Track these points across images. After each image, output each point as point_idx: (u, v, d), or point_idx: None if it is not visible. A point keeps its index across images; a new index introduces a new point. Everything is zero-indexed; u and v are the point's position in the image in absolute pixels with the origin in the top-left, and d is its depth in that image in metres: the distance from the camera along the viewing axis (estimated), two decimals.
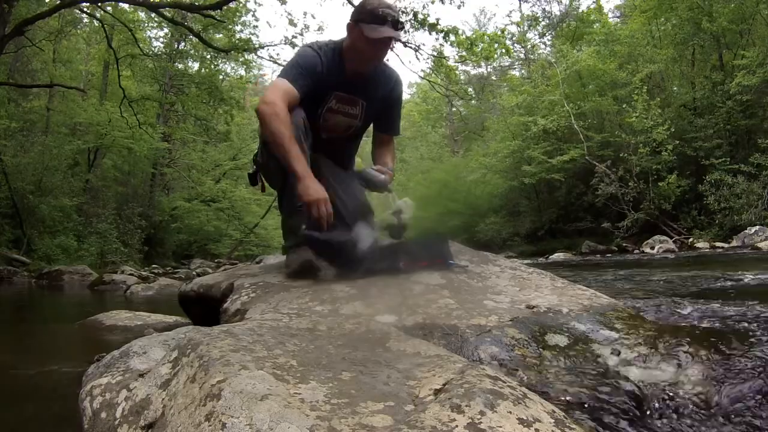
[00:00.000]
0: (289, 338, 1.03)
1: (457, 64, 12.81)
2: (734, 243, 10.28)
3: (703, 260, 6.40)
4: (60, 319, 3.89)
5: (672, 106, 15.32)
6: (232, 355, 0.87)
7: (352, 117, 2.00)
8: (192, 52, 16.50)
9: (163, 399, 0.91)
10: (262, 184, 2.04)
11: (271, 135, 1.73)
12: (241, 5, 12.74)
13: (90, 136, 16.30)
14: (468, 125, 28.44)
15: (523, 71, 25.59)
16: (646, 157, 13.97)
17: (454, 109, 29.50)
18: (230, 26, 12.83)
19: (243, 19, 13.44)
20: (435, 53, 11.34)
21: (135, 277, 7.90)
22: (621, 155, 14.63)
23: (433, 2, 10.93)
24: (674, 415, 0.93)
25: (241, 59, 13.94)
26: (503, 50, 12.01)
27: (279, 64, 12.89)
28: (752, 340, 1.19)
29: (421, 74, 14.25)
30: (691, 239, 12.49)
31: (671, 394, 1.00)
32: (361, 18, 1.82)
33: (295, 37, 12.35)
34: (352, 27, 1.86)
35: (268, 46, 15.93)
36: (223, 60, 16.12)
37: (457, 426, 0.67)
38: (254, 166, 2.04)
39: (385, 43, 1.87)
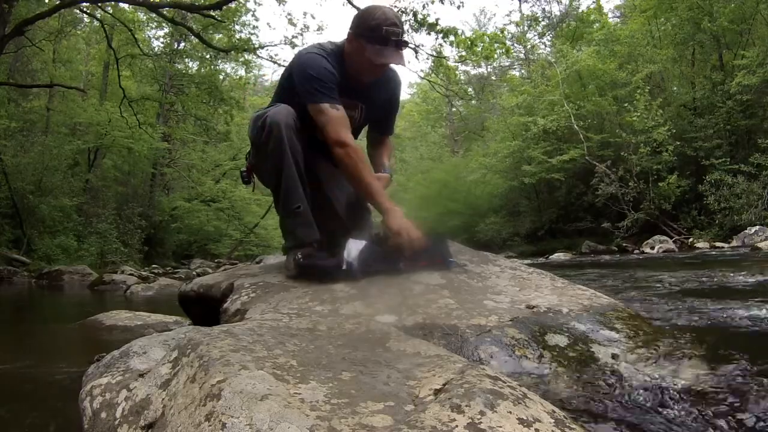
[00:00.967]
0: (289, 338, 1.03)
1: (456, 64, 12.83)
2: (734, 243, 10.28)
3: (703, 260, 6.40)
4: (60, 319, 3.89)
5: (672, 106, 15.33)
6: (232, 355, 0.86)
7: (351, 120, 1.93)
8: (192, 52, 16.51)
9: (163, 399, 0.91)
10: (254, 182, 2.04)
11: (350, 176, 1.74)
12: (240, 5, 12.76)
13: (90, 136, 16.32)
14: (468, 125, 28.46)
15: (523, 71, 25.60)
16: (646, 157, 13.97)
17: (454, 109, 29.52)
18: (230, 26, 12.83)
19: (243, 19, 13.46)
20: (434, 53, 11.35)
21: (135, 277, 7.90)
22: (621, 155, 14.63)
23: (432, 2, 10.92)
24: (674, 415, 0.93)
25: (241, 59, 13.95)
26: (503, 50, 12.02)
27: (279, 65, 12.91)
28: (752, 339, 1.19)
29: (421, 74, 14.27)
30: (691, 239, 12.49)
31: (671, 393, 1.00)
32: (364, 34, 1.76)
33: (295, 38, 12.38)
34: (352, 38, 1.80)
35: (268, 46, 15.95)
36: (223, 60, 16.14)
37: (457, 426, 0.67)
38: (247, 165, 2.03)
39: (386, 66, 1.83)
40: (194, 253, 20.20)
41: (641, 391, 1.02)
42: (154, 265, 14.81)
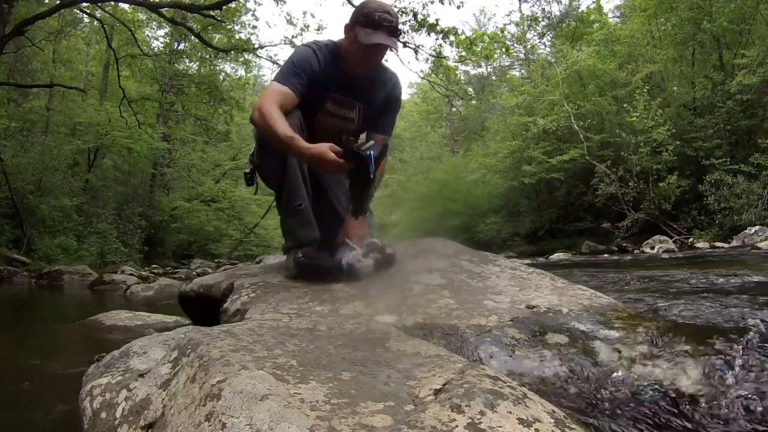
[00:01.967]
0: (289, 338, 1.03)
1: (456, 64, 12.83)
2: (734, 243, 10.27)
3: (703, 260, 6.39)
4: (60, 319, 3.88)
5: (672, 106, 15.32)
6: (232, 355, 0.87)
7: (348, 121, 1.95)
8: (191, 52, 16.51)
9: (163, 399, 0.91)
10: (257, 184, 2.03)
11: (268, 135, 1.70)
12: (240, 5, 12.77)
13: (90, 136, 16.31)
14: (468, 125, 28.47)
15: (522, 71, 25.61)
16: (646, 157, 13.97)
17: (454, 109, 29.52)
18: (230, 26, 12.84)
19: (242, 19, 13.46)
20: (434, 53, 11.36)
21: (135, 277, 7.90)
22: (621, 155, 14.63)
23: (432, 2, 10.92)
24: (674, 414, 0.93)
25: (240, 59, 13.96)
26: (503, 50, 12.03)
27: (279, 65, 12.90)
28: (751, 338, 1.19)
29: (421, 74, 14.28)
30: (691, 239, 12.49)
31: (671, 393, 1.00)
32: (358, 21, 1.77)
33: (295, 37, 12.39)
34: (348, 29, 1.81)
35: (267, 46, 15.99)
36: (223, 60, 16.14)
37: (457, 426, 0.67)
38: (250, 166, 2.03)
39: (378, 50, 1.80)
40: (194, 253, 20.19)
41: (641, 391, 1.02)
42: (154, 265, 14.80)
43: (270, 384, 0.77)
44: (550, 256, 11.68)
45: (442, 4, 11.16)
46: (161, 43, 17.45)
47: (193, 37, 13.13)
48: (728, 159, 13.07)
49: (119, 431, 0.92)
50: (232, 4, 11.81)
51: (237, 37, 13.10)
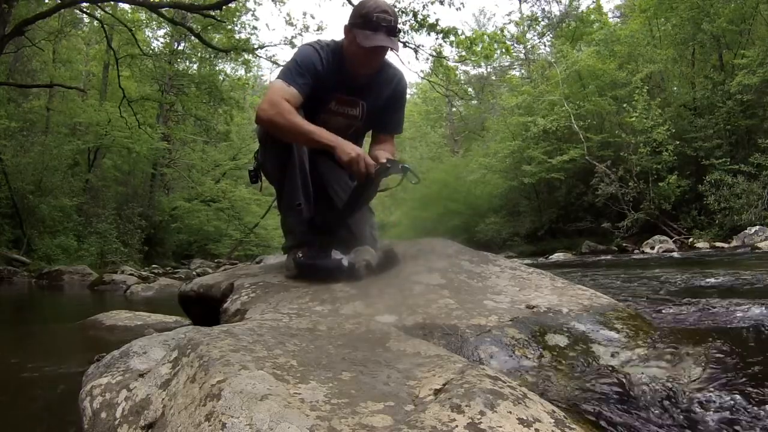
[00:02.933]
0: (289, 338, 1.03)
1: (456, 64, 12.83)
2: (734, 243, 10.28)
3: (703, 260, 6.40)
4: (60, 319, 3.88)
5: (672, 106, 15.32)
6: (232, 355, 0.87)
7: (352, 118, 1.95)
8: (191, 52, 16.50)
9: (163, 399, 0.91)
10: (261, 182, 2.03)
11: (284, 130, 1.70)
12: (240, 5, 12.77)
13: (90, 136, 16.32)
14: (468, 125, 28.48)
15: (522, 71, 25.61)
16: (646, 157, 13.97)
17: (454, 109, 29.54)
18: (230, 26, 12.83)
19: (243, 19, 13.46)
20: (434, 53, 11.36)
21: (135, 277, 7.90)
22: (621, 155, 14.63)
23: (432, 2, 10.92)
24: (674, 415, 0.93)
25: (240, 59, 13.95)
26: (503, 49, 12.03)
27: (278, 65, 12.91)
28: (752, 339, 1.19)
29: (421, 74, 14.28)
30: (691, 239, 12.49)
31: (671, 393, 1.00)
32: (356, 22, 1.77)
33: (295, 38, 12.39)
34: (347, 31, 1.81)
35: (267, 46, 15.98)
36: (223, 60, 16.14)
37: (457, 426, 0.67)
38: (255, 164, 2.03)
39: (378, 52, 1.80)
40: (194, 253, 20.19)
41: (641, 391, 1.02)
42: (154, 265, 14.80)
43: (270, 384, 0.77)
44: (550, 256, 11.68)
45: (442, 4, 11.17)
46: (161, 43, 17.47)
47: (193, 37, 13.13)
48: (728, 159, 13.08)
49: (119, 431, 0.92)
50: (232, 4, 11.81)
51: (237, 37, 13.10)
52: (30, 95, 16.18)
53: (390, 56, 1.95)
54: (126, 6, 12.89)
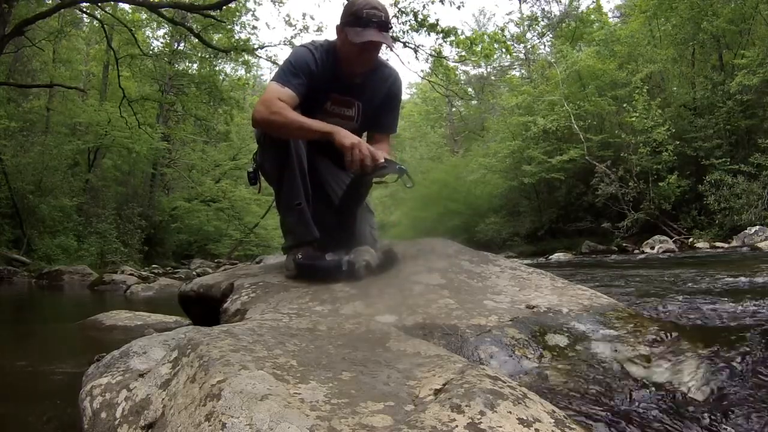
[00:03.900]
0: (289, 338, 1.03)
1: (456, 64, 12.83)
2: (734, 243, 10.27)
3: (703, 260, 6.39)
4: (60, 319, 3.89)
5: (672, 106, 15.32)
6: (232, 355, 0.87)
7: (347, 119, 1.94)
8: (191, 53, 16.50)
9: (163, 399, 0.91)
10: (260, 183, 2.03)
11: (280, 127, 1.70)
12: (240, 5, 12.77)
13: (90, 136, 16.32)
14: (468, 125, 28.47)
15: (522, 71, 25.61)
16: (646, 157, 13.97)
17: (454, 109, 29.54)
18: (229, 26, 12.84)
19: (242, 19, 13.46)
20: (434, 53, 11.36)
21: (135, 277, 7.90)
22: (621, 155, 14.63)
23: (432, 2, 10.92)
24: (674, 415, 0.93)
25: (240, 59, 13.95)
26: (503, 49, 12.03)
27: (278, 65, 12.88)
28: (751, 339, 1.19)
29: (421, 74, 14.29)
30: (691, 239, 12.49)
31: (671, 393, 1.00)
32: (347, 21, 1.76)
33: (294, 38, 12.39)
34: (339, 30, 1.81)
35: (267, 46, 15.98)
36: (223, 60, 16.13)
37: (457, 426, 0.67)
38: (254, 165, 2.03)
39: (370, 48, 1.79)
40: (194, 253, 20.20)
41: (641, 391, 1.02)
42: (154, 265, 14.81)
43: (270, 384, 0.77)
44: (550, 256, 11.68)
45: (443, 4, 11.18)
46: (161, 43, 17.47)
47: (193, 37, 13.13)
48: (728, 159, 13.07)
49: (119, 431, 0.92)
50: (232, 4, 11.81)
51: (237, 37, 13.10)
52: (30, 95, 16.18)
53: (389, 56, 1.95)
54: (126, 6, 12.90)
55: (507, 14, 43.74)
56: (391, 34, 1.89)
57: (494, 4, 66.37)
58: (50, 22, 13.84)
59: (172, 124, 20.09)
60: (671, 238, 12.52)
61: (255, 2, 21.56)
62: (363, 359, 0.93)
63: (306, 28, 12.71)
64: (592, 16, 21.80)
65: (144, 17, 14.66)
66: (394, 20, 10.32)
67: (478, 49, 11.16)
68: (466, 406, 0.71)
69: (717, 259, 6.44)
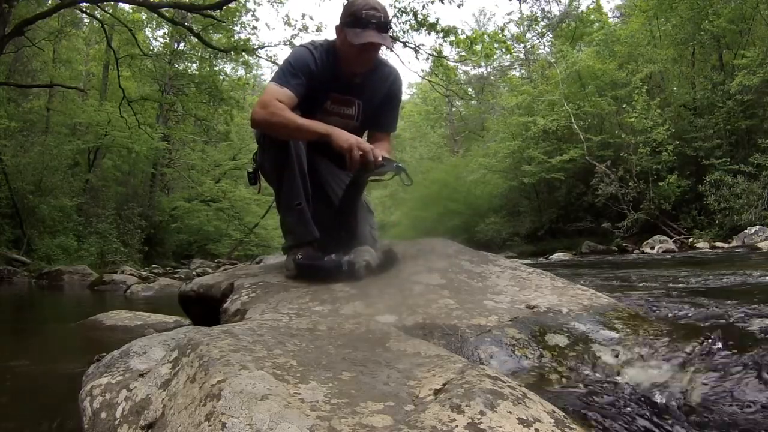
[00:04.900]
0: (289, 338, 1.03)
1: (456, 64, 12.84)
2: (734, 243, 10.28)
3: (703, 260, 6.40)
4: (60, 319, 3.88)
5: (672, 106, 15.33)
6: (232, 355, 0.87)
7: (347, 118, 1.95)
8: (191, 53, 16.50)
9: (163, 399, 0.91)
10: (260, 184, 2.03)
11: (278, 127, 1.70)
12: (240, 5, 12.76)
13: (90, 136, 16.33)
14: (468, 125, 28.47)
15: (522, 71, 25.61)
16: (646, 157, 13.97)
17: (454, 109, 29.54)
18: (229, 26, 12.83)
19: (242, 19, 13.46)
20: (434, 53, 11.36)
21: (135, 277, 7.90)
22: (621, 155, 14.64)
23: (432, 2, 10.92)
24: (674, 415, 0.93)
25: (240, 60, 13.95)
26: (503, 48, 12.03)
27: (278, 65, 12.88)
28: (751, 339, 1.19)
29: (421, 74, 14.31)
30: (691, 239, 12.49)
31: (671, 393, 1.00)
32: (346, 21, 1.76)
33: (294, 38, 12.39)
34: (339, 30, 1.81)
35: (267, 46, 15.97)
36: (223, 60, 16.14)
37: (457, 426, 0.67)
38: (254, 165, 2.03)
39: (369, 49, 1.79)
40: (194, 253, 20.20)
41: (641, 391, 1.02)
42: (154, 265, 14.81)
43: (270, 384, 0.77)
44: (550, 256, 11.68)
45: (443, 3, 11.18)
46: (161, 43, 17.46)
47: (192, 37, 13.13)
48: (728, 159, 13.07)
49: (119, 431, 0.92)
50: (232, 4, 11.80)
51: (237, 37, 13.10)
52: (30, 95, 16.18)
53: (389, 55, 1.95)
54: (126, 6, 12.89)
55: (507, 14, 43.75)
56: (390, 34, 1.89)
57: (494, 4, 66.39)
58: (50, 22, 13.85)
59: (172, 124, 20.09)
60: (671, 238, 12.52)
61: (255, 2, 21.55)
62: (363, 359, 0.93)
63: (305, 28, 12.68)
64: (592, 16, 21.80)
65: (144, 17, 14.66)
66: (394, 20, 10.33)
67: (478, 48, 11.15)
68: (466, 406, 0.71)
69: (717, 260, 6.44)
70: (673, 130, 13.76)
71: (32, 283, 8.85)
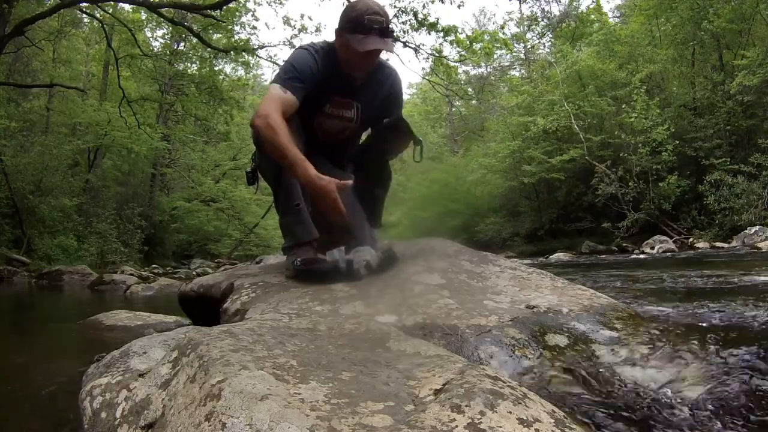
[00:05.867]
0: (289, 338, 1.03)
1: (456, 63, 12.84)
2: (734, 243, 10.27)
3: (703, 260, 6.39)
4: (60, 319, 3.88)
5: (672, 106, 15.33)
6: (232, 355, 0.86)
7: (346, 120, 1.94)
8: (191, 53, 16.50)
9: (163, 399, 0.91)
10: (258, 183, 2.03)
11: (270, 147, 1.68)
12: (240, 5, 12.77)
13: (90, 136, 16.33)
14: (468, 125, 28.49)
15: (522, 71, 25.62)
16: (646, 157, 13.98)
17: (454, 109, 29.54)
18: (229, 27, 12.84)
19: (243, 19, 13.46)
20: (434, 53, 11.37)
21: (135, 277, 7.90)
22: (621, 155, 14.64)
23: (432, 2, 10.93)
24: (674, 416, 0.93)
25: (240, 60, 13.96)
26: (504, 46, 12.04)
27: (278, 65, 12.91)
28: (752, 339, 1.19)
29: (421, 74, 14.31)
30: (691, 239, 12.49)
31: (671, 394, 1.00)
32: (347, 26, 1.75)
33: (294, 38, 12.40)
34: (339, 34, 1.80)
35: (267, 46, 15.98)
36: (223, 60, 16.15)
37: (457, 426, 0.67)
38: (252, 165, 2.03)
39: (371, 55, 1.79)
40: (194, 253, 20.21)
41: (641, 391, 1.02)
42: (154, 265, 14.82)
43: (270, 384, 0.77)
44: (550, 256, 11.68)
45: (443, 2, 11.19)
46: (161, 43, 17.47)
47: (192, 38, 13.13)
48: (728, 159, 13.08)
49: (119, 431, 0.92)
50: (232, 4, 11.81)
51: (237, 37, 13.11)
52: (30, 95, 16.20)
53: (389, 56, 1.95)
54: (126, 6, 12.90)
55: (507, 14, 43.77)
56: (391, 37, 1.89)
57: (494, 4, 66.40)
58: (50, 22, 13.86)
59: (172, 124, 20.10)
60: (671, 238, 12.52)
61: (255, 2, 21.57)
62: (363, 359, 0.93)
63: (304, 29, 12.70)
64: (592, 16, 21.81)
65: (144, 17, 14.66)
66: (394, 20, 10.34)
67: (478, 48, 11.16)
68: (466, 406, 0.71)
69: (717, 260, 6.44)
70: (673, 130, 13.77)
71: (32, 283, 8.85)
